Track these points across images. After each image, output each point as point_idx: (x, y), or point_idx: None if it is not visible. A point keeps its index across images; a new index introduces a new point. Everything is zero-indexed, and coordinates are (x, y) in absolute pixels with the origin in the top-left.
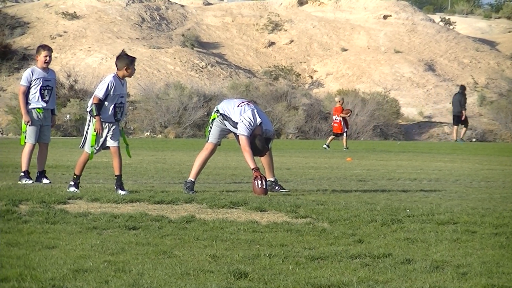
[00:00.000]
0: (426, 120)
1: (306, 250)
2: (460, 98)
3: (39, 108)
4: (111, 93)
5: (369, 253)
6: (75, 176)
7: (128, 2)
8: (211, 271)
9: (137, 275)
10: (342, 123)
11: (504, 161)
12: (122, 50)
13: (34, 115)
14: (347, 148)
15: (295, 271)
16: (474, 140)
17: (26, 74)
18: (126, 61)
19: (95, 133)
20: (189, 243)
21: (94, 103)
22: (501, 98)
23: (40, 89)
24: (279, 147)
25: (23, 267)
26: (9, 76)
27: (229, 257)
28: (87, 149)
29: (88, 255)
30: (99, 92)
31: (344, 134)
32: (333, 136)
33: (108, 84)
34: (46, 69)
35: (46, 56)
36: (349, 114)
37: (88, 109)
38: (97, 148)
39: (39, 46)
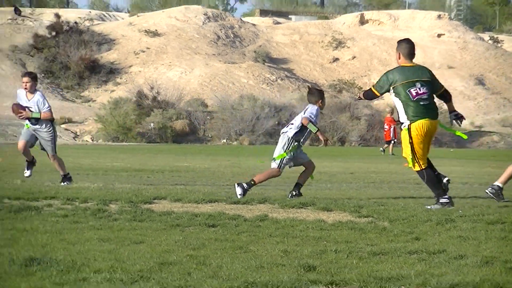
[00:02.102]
0: (477, 129)
1: (369, 246)
2: None
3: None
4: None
5: (425, 249)
6: (252, 183)
7: (205, 21)
8: (283, 265)
9: (216, 267)
10: (391, 131)
11: None
12: (311, 87)
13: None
14: (393, 154)
15: (358, 265)
16: None
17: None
18: (317, 95)
19: (284, 153)
20: (263, 240)
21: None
22: None
23: None
24: (343, 154)
25: (114, 260)
26: (97, 88)
27: (299, 252)
28: (274, 164)
29: (172, 250)
30: (315, 119)
31: (392, 142)
32: (387, 145)
33: (317, 114)
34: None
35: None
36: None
37: (312, 128)
38: (289, 165)
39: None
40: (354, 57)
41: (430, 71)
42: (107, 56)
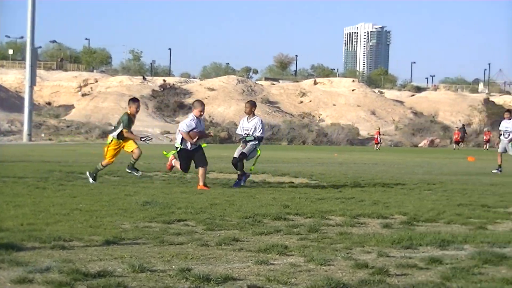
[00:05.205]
0: (370, 136)
1: (316, 195)
2: None
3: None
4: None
5: (344, 197)
6: None
7: (237, 83)
8: (272, 205)
9: (240, 206)
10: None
11: None
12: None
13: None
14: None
15: (310, 205)
16: None
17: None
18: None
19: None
20: (263, 192)
21: None
22: None
23: None
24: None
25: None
26: (182, 116)
27: (281, 198)
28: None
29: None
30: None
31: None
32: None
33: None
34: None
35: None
36: None
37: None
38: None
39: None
40: (310, 101)
41: None
42: (188, 100)
